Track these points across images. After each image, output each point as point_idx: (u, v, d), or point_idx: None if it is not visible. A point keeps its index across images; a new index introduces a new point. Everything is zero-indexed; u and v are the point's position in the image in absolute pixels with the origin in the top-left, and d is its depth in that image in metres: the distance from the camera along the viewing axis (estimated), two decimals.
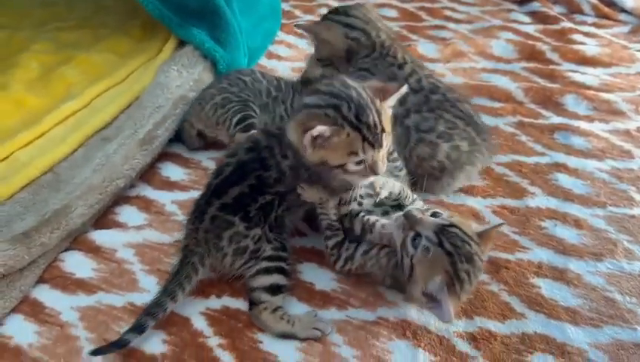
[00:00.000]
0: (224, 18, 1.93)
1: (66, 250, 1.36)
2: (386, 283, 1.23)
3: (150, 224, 1.43)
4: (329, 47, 1.59)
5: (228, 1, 1.99)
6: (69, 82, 1.86)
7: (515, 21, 2.42)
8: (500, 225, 1.18)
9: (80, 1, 2.48)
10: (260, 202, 1.21)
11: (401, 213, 1.15)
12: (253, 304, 1.18)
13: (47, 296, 1.26)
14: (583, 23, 2.39)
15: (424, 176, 1.42)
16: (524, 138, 1.71)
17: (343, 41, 1.57)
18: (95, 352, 1.09)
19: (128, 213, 1.48)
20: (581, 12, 2.46)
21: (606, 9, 2.42)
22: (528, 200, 1.49)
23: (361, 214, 1.24)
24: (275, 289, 1.18)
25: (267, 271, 1.19)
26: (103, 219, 1.46)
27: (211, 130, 1.66)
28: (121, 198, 1.51)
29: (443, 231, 1.07)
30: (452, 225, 1.08)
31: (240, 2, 2.09)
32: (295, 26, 1.66)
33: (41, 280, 1.29)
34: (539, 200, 1.50)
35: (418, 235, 1.09)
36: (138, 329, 1.11)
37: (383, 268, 1.20)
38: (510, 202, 1.49)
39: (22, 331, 1.18)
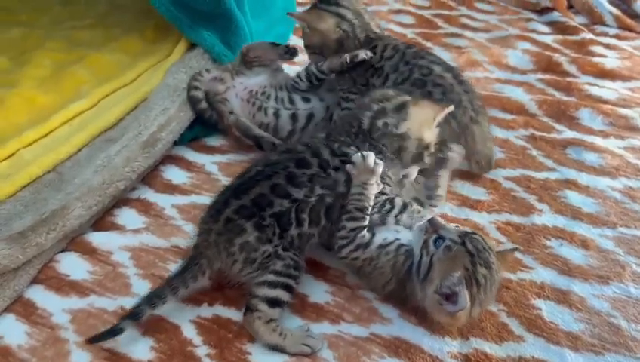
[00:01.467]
0: (235, 22, 1.92)
1: (63, 250, 1.36)
2: (387, 288, 1.18)
3: (148, 227, 1.42)
4: (320, 37, 1.60)
5: (240, 5, 1.98)
6: (79, 81, 1.88)
7: (533, 31, 2.36)
8: (516, 249, 1.17)
9: (97, 0, 2.50)
10: (275, 208, 1.17)
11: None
12: (248, 309, 1.16)
13: (41, 296, 1.26)
14: (604, 34, 2.32)
15: None
16: (534, 152, 1.67)
17: (335, 32, 1.58)
18: (91, 340, 1.11)
19: (127, 216, 1.47)
20: (603, 23, 2.39)
21: (628, 20, 2.34)
22: (535, 217, 1.45)
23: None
24: (274, 303, 1.16)
25: (272, 284, 1.16)
26: (101, 220, 1.45)
27: None
28: (121, 200, 1.50)
29: (467, 235, 1.09)
30: (475, 233, 1.10)
31: (252, 5, 2.08)
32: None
33: (35, 281, 1.29)
34: (546, 217, 1.45)
35: (441, 237, 1.10)
36: (134, 316, 1.12)
37: (396, 268, 1.15)
38: (516, 219, 1.45)
39: (13, 331, 1.18)
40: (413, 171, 1.34)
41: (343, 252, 1.19)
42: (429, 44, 2.25)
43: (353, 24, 1.59)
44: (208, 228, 1.19)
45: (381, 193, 1.22)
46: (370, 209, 1.19)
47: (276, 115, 1.66)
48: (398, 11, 2.54)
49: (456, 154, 1.43)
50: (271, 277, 1.16)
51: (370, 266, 1.18)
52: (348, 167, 1.19)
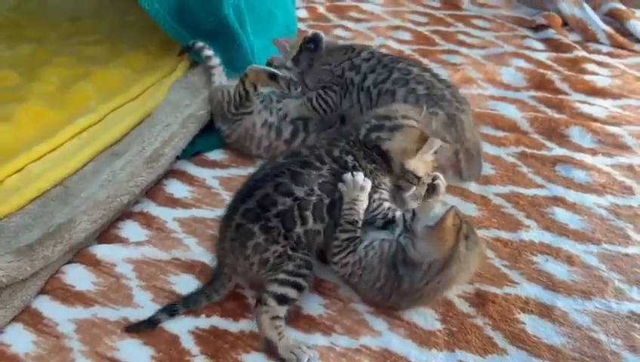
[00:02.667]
0: (237, 40, 2.00)
1: (69, 262, 1.42)
2: (377, 285, 1.23)
3: (150, 240, 1.48)
4: None
5: (242, 23, 2.05)
6: (86, 97, 1.94)
7: (528, 48, 2.41)
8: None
9: (105, 16, 2.58)
10: (279, 207, 1.23)
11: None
12: (259, 302, 1.23)
13: (47, 306, 1.32)
14: (598, 52, 2.37)
15: None
16: (525, 169, 1.72)
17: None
18: (128, 329, 1.25)
19: (130, 229, 1.53)
20: (596, 41, 2.44)
21: (621, 39, 2.39)
22: (522, 233, 1.50)
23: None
24: (282, 300, 1.23)
25: (282, 282, 1.23)
26: (106, 233, 1.52)
27: None
28: (124, 213, 1.57)
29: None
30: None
31: (254, 23, 2.15)
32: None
33: (42, 291, 1.35)
34: (533, 233, 1.50)
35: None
36: (171, 311, 1.27)
37: (382, 257, 1.22)
38: (504, 234, 1.50)
39: (20, 340, 1.24)
40: (408, 189, 1.41)
41: (336, 258, 1.27)
42: (425, 61, 2.31)
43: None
44: (223, 237, 1.28)
45: (381, 199, 1.31)
46: (360, 222, 1.26)
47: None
48: (397, 27, 2.60)
49: (444, 159, 1.54)
50: (282, 276, 1.24)
51: (360, 267, 1.24)
52: (339, 185, 1.27)
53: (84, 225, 1.42)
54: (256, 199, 1.25)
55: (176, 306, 1.27)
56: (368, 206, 1.28)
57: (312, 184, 1.26)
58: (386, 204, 1.31)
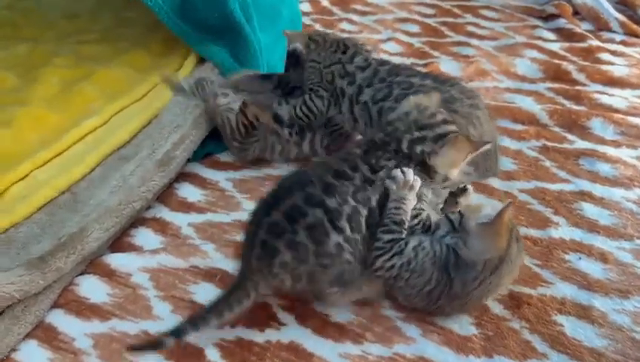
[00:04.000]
0: (244, 36, 1.92)
1: (81, 273, 1.35)
2: (425, 288, 1.16)
3: (165, 248, 1.42)
4: None
5: (248, 18, 1.98)
6: (89, 99, 1.87)
7: (540, 38, 2.36)
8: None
9: (103, 13, 2.49)
10: (309, 218, 1.14)
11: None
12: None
13: (62, 321, 1.25)
14: (611, 40, 2.33)
15: None
16: (548, 163, 1.67)
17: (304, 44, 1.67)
18: (131, 348, 1.14)
19: (144, 236, 1.47)
20: (609, 29, 2.40)
21: (634, 26, 2.35)
22: (552, 230, 1.45)
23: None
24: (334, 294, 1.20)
25: (330, 287, 1.18)
26: (118, 241, 1.45)
27: None
28: (137, 220, 1.50)
29: None
30: None
31: (260, 18, 2.08)
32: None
33: (55, 305, 1.28)
34: (563, 231, 1.45)
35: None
36: (177, 333, 1.13)
37: (436, 258, 1.15)
38: (533, 232, 1.45)
39: (35, 358, 1.18)
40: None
41: (378, 262, 1.18)
42: (436, 53, 2.26)
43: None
44: (248, 255, 1.18)
45: (422, 209, 1.23)
46: (407, 223, 1.19)
47: None
48: (405, 20, 2.54)
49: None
50: (325, 286, 1.18)
51: (409, 270, 1.16)
52: (387, 181, 1.19)
53: (96, 233, 1.35)
54: (283, 210, 1.16)
55: (182, 326, 1.13)
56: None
57: (345, 195, 1.18)
58: (425, 214, 1.24)
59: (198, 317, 1.14)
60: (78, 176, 1.56)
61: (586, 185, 1.59)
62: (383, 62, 1.59)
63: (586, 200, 1.54)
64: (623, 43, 2.31)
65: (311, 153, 1.72)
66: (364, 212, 1.18)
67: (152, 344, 1.14)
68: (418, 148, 1.24)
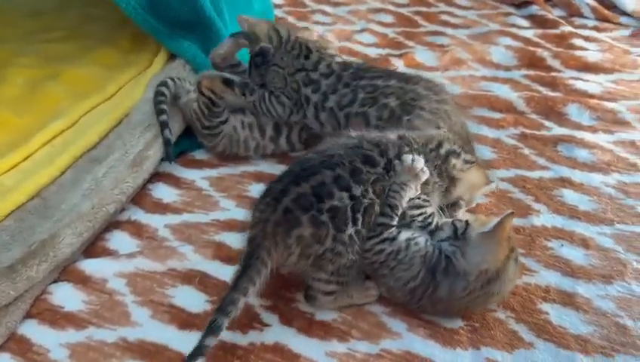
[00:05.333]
0: (215, 30, 1.87)
1: (55, 281, 1.30)
2: (410, 285, 1.15)
3: (142, 251, 1.37)
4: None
5: (219, 12, 1.94)
6: (55, 99, 1.80)
7: (513, 25, 2.36)
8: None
9: (68, 10, 2.41)
10: (334, 201, 1.12)
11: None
12: (306, 296, 1.22)
13: (35, 331, 1.20)
14: (583, 26, 2.34)
15: None
16: (526, 151, 1.66)
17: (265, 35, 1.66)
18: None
19: (119, 240, 1.42)
20: (580, 15, 2.41)
21: (606, 12, 2.36)
22: (533, 218, 1.45)
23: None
24: (330, 294, 1.18)
25: (327, 281, 1.16)
26: (92, 246, 1.40)
27: None
28: (111, 223, 1.45)
29: None
30: None
31: (231, 11, 2.04)
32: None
33: (28, 315, 1.23)
34: (544, 218, 1.45)
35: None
36: (214, 330, 1.05)
37: (427, 258, 1.14)
38: (515, 221, 1.43)
39: None
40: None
41: (368, 244, 1.16)
42: (411, 43, 2.24)
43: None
44: (265, 218, 1.13)
45: (426, 202, 1.23)
46: (400, 210, 1.17)
47: None
48: (378, 10, 2.52)
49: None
50: (324, 276, 1.16)
51: (396, 260, 1.15)
52: (395, 163, 1.19)
53: (69, 239, 1.30)
54: (312, 184, 1.13)
55: (217, 321, 1.05)
56: (412, 204, 1.20)
57: (367, 184, 1.16)
58: (429, 210, 1.22)
59: (226, 303, 1.06)
60: (47, 180, 1.50)
61: (565, 171, 1.59)
62: (345, 67, 1.59)
63: (565, 186, 1.54)
64: (595, 28, 2.33)
65: (288, 148, 1.69)
66: (377, 207, 1.17)
67: (195, 353, 1.04)
68: (452, 160, 1.28)
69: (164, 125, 1.59)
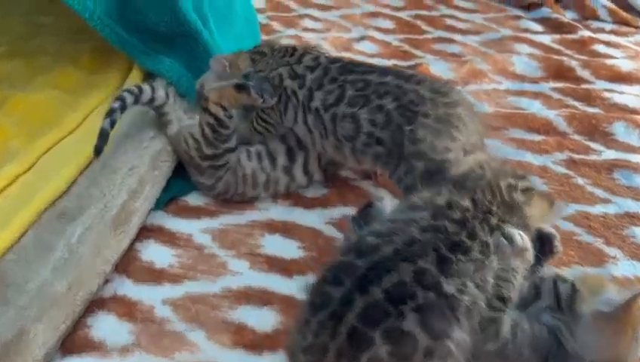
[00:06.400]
0: (200, 41, 1.55)
1: None
2: None
3: (138, 342, 1.05)
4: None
5: (204, 21, 1.62)
6: (4, 136, 1.44)
7: (526, 30, 2.14)
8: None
9: (10, 18, 2.02)
10: (419, 301, 0.81)
11: None
12: None
13: None
14: (601, 30, 2.15)
15: None
16: (580, 181, 1.44)
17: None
18: None
19: (106, 326, 1.09)
20: (596, 18, 2.22)
21: (624, 14, 2.19)
22: (610, 266, 1.22)
23: None
24: None
25: None
26: (71, 337, 1.06)
27: None
28: (93, 302, 1.12)
29: None
30: None
31: (215, 18, 1.73)
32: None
33: None
34: (623, 266, 1.22)
35: None
36: None
37: (535, 341, 0.90)
38: (590, 271, 1.21)
39: None
40: None
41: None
42: (419, 53, 1.98)
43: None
44: (323, 345, 0.81)
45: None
46: (513, 300, 0.91)
47: None
48: (374, 14, 2.24)
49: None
50: None
51: (504, 357, 0.90)
52: (501, 243, 0.90)
53: (41, 337, 0.97)
54: (385, 288, 0.81)
55: None
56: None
57: (465, 276, 0.86)
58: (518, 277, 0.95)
59: None
60: (2, 245, 1.15)
61: (630, 204, 1.37)
62: (335, 60, 1.36)
63: (635, 223, 1.33)
64: (613, 32, 2.14)
65: (306, 181, 1.41)
66: (482, 304, 0.86)
67: None
68: (514, 196, 0.98)
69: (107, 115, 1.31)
